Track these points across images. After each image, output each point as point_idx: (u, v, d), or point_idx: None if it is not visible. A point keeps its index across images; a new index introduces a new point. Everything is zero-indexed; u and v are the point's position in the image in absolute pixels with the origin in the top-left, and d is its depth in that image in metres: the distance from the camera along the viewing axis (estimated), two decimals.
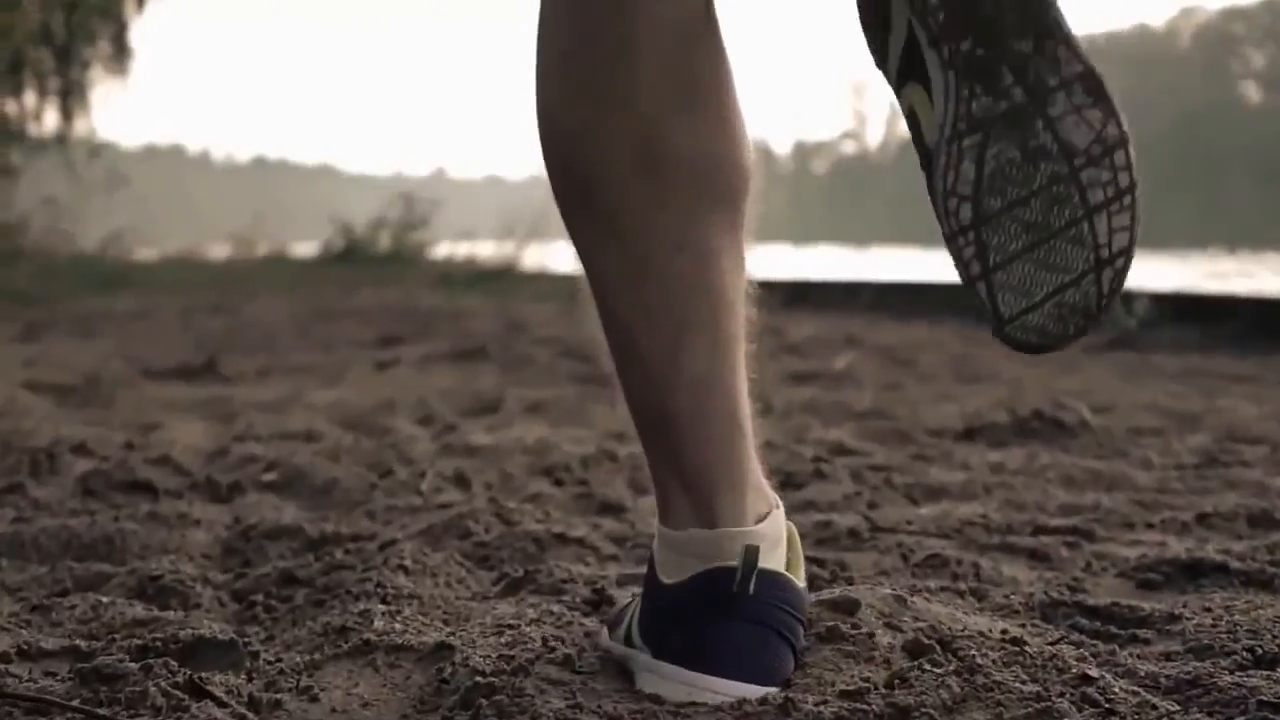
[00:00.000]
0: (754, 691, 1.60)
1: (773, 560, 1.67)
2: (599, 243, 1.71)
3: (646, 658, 1.69)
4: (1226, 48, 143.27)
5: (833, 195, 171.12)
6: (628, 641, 1.75)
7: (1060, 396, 4.92)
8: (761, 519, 1.69)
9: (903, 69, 1.63)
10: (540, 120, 1.70)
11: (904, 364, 6.47)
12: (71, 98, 26.73)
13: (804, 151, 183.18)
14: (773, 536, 1.68)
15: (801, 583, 1.72)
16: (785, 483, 2.91)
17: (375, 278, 15.53)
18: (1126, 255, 1.57)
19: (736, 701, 1.57)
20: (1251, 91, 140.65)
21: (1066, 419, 3.75)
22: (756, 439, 1.78)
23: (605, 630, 1.83)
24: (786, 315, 9.80)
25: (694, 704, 1.60)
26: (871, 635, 1.70)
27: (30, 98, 26.68)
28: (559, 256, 17.40)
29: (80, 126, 27.73)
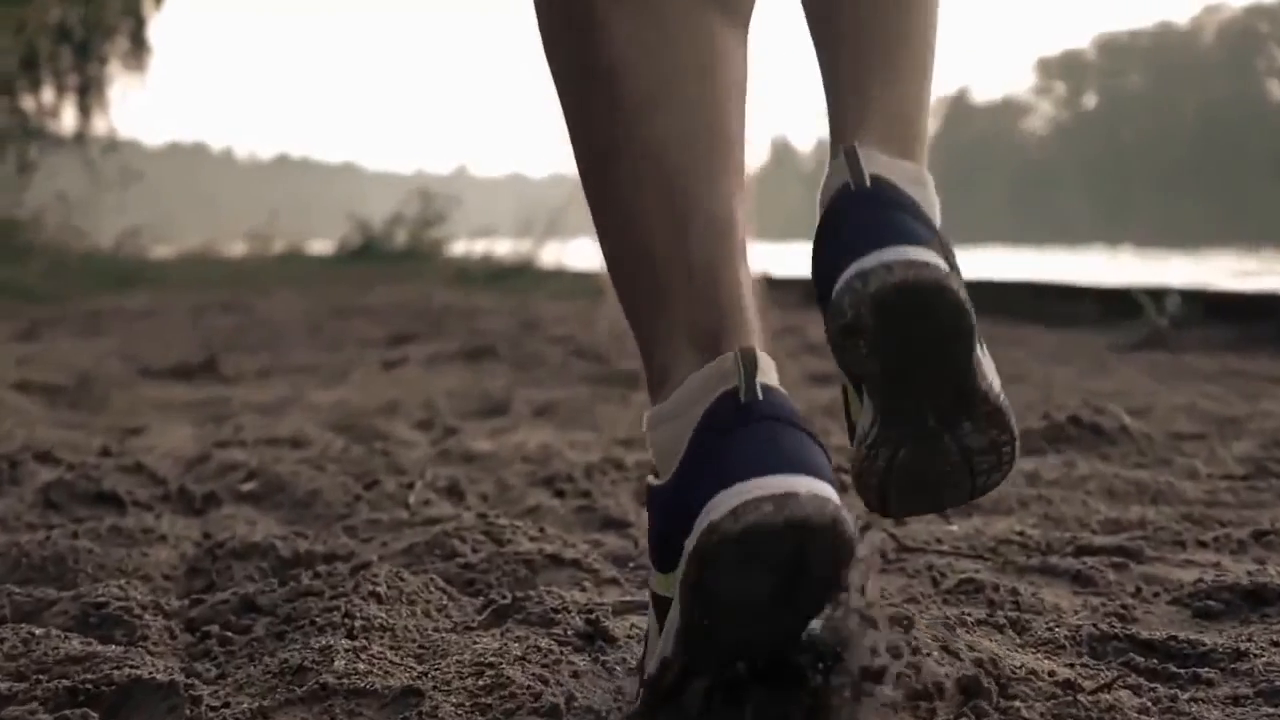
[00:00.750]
0: (802, 484, 1.37)
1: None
2: (630, 43, 1.56)
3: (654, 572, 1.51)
4: (1251, 45, 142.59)
5: None
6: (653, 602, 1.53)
7: (1094, 399, 4.70)
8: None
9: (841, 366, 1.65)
10: None
11: None
12: (90, 94, 26.65)
13: (826, 151, 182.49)
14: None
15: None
16: None
17: (391, 275, 15.34)
18: (991, 488, 1.75)
19: None
20: (1276, 89, 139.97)
21: (1105, 424, 3.51)
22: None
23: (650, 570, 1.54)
24: (806, 314, 9.59)
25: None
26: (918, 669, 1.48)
27: (48, 94, 26.63)
28: (577, 253, 17.23)
29: (99, 123, 27.68)
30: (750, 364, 1.48)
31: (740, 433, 1.42)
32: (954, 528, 2.42)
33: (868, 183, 1.60)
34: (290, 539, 2.30)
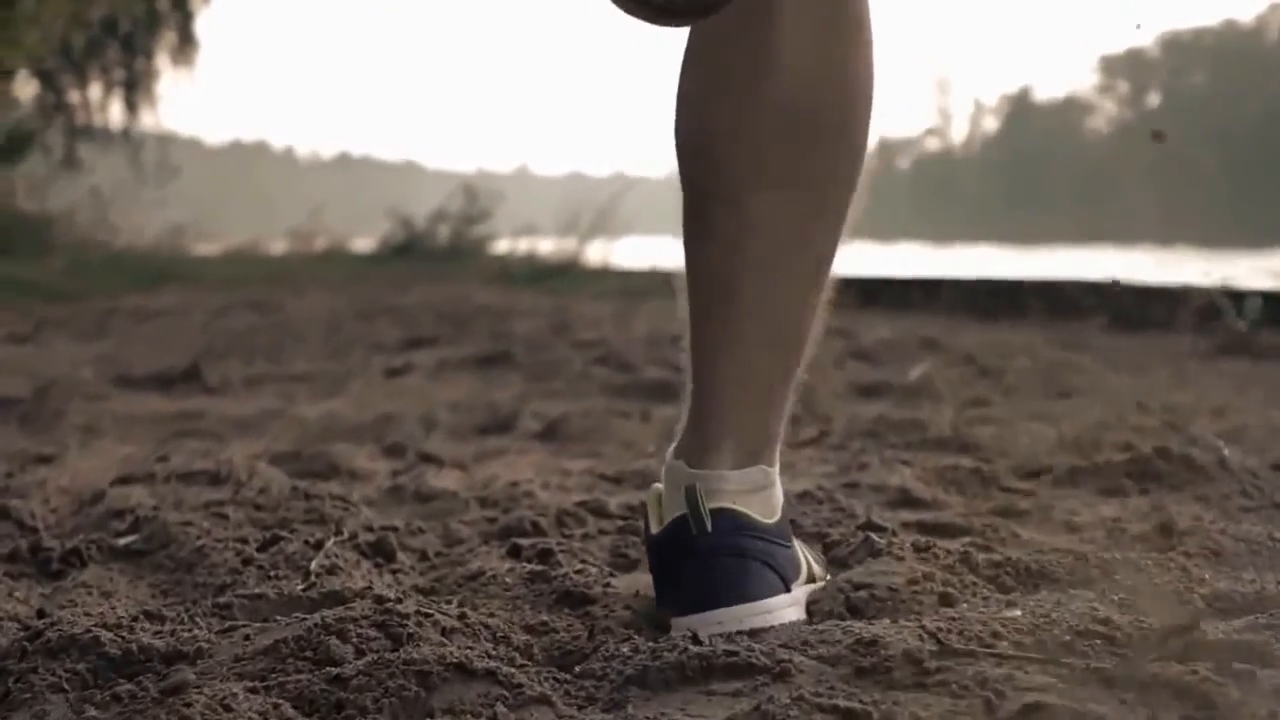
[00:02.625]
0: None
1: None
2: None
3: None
4: None
5: (915, 192, 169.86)
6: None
7: (1178, 416, 4.11)
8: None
9: None
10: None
11: (988, 374, 5.64)
12: (136, 89, 26.31)
13: (887, 148, 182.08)
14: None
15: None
16: (824, 555, 2.12)
17: (431, 273, 14.83)
18: None
19: None
20: None
21: (1199, 457, 2.89)
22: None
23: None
24: (858, 315, 9.00)
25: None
26: None
27: (96, 89, 26.30)
28: (624, 252, 16.69)
29: (146, 119, 27.34)
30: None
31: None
32: (1016, 613, 1.82)
33: (707, 527, 1.78)
34: (133, 627, 1.72)
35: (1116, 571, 2.01)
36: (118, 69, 26.34)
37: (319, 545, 2.05)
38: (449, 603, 1.85)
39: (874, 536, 2.06)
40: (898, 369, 5.83)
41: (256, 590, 1.89)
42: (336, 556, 2.03)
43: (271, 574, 1.96)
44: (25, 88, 22.78)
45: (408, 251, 18.08)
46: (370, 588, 1.88)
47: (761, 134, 1.79)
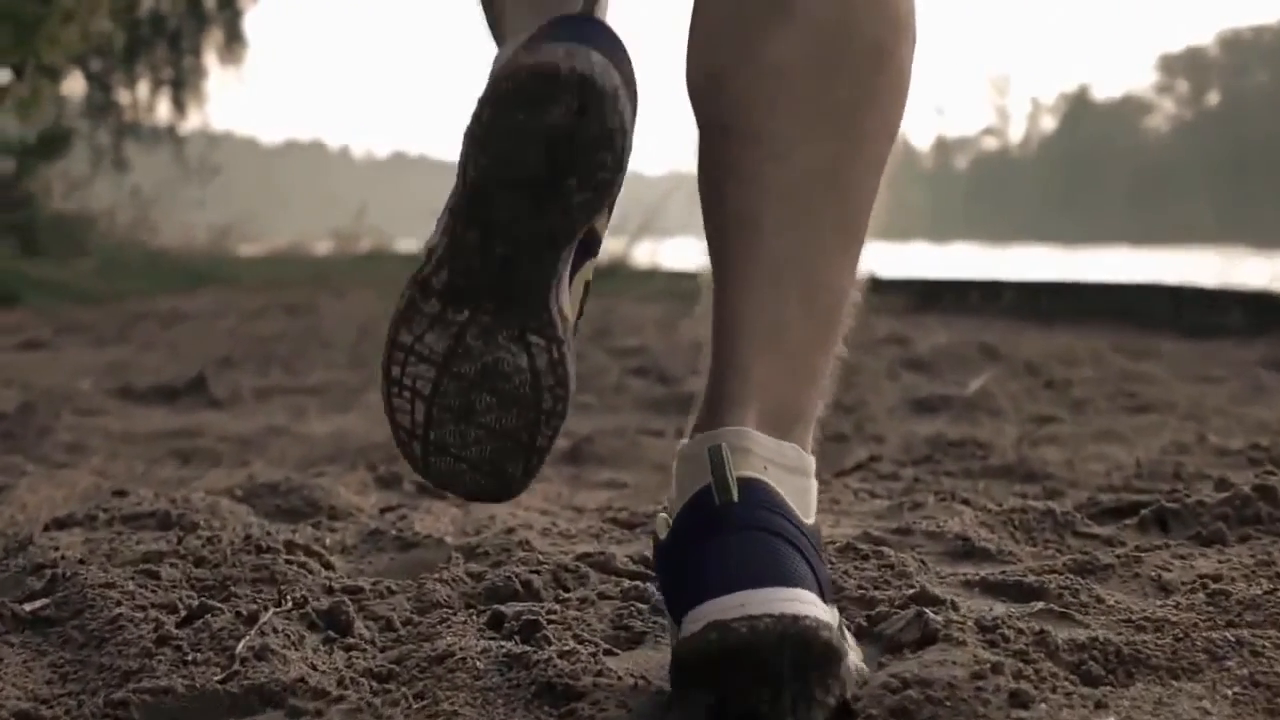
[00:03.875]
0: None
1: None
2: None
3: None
4: None
5: (973, 192, 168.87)
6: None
7: (1262, 435, 3.73)
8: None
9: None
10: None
11: (1053, 386, 5.26)
12: (184, 88, 26.15)
13: (945, 147, 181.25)
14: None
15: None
16: (869, 637, 1.74)
17: None
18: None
19: None
20: None
21: None
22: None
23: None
24: (915, 320, 8.63)
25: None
26: None
27: (143, 88, 26.14)
28: (674, 253, 16.31)
29: (194, 118, 27.19)
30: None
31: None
32: (1110, 719, 1.44)
33: (734, 495, 1.49)
34: None
35: (1227, 656, 1.63)
36: (165, 68, 26.18)
37: (253, 619, 1.68)
38: (402, 698, 1.49)
39: (929, 613, 1.69)
40: (955, 380, 5.45)
41: (164, 682, 1.52)
42: (275, 633, 1.65)
43: (189, 657, 1.59)
44: (73, 86, 22.63)
45: None
46: (304, 680, 1.51)
47: (786, 60, 1.59)
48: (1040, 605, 1.85)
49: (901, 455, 3.61)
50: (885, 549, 2.01)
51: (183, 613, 1.75)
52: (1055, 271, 17.54)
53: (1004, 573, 2.05)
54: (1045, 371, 5.73)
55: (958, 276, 11.52)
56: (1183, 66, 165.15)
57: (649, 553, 2.02)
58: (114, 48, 20.55)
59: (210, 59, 26.55)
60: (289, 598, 1.77)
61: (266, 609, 1.72)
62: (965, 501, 2.53)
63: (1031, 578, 1.98)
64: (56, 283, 11.25)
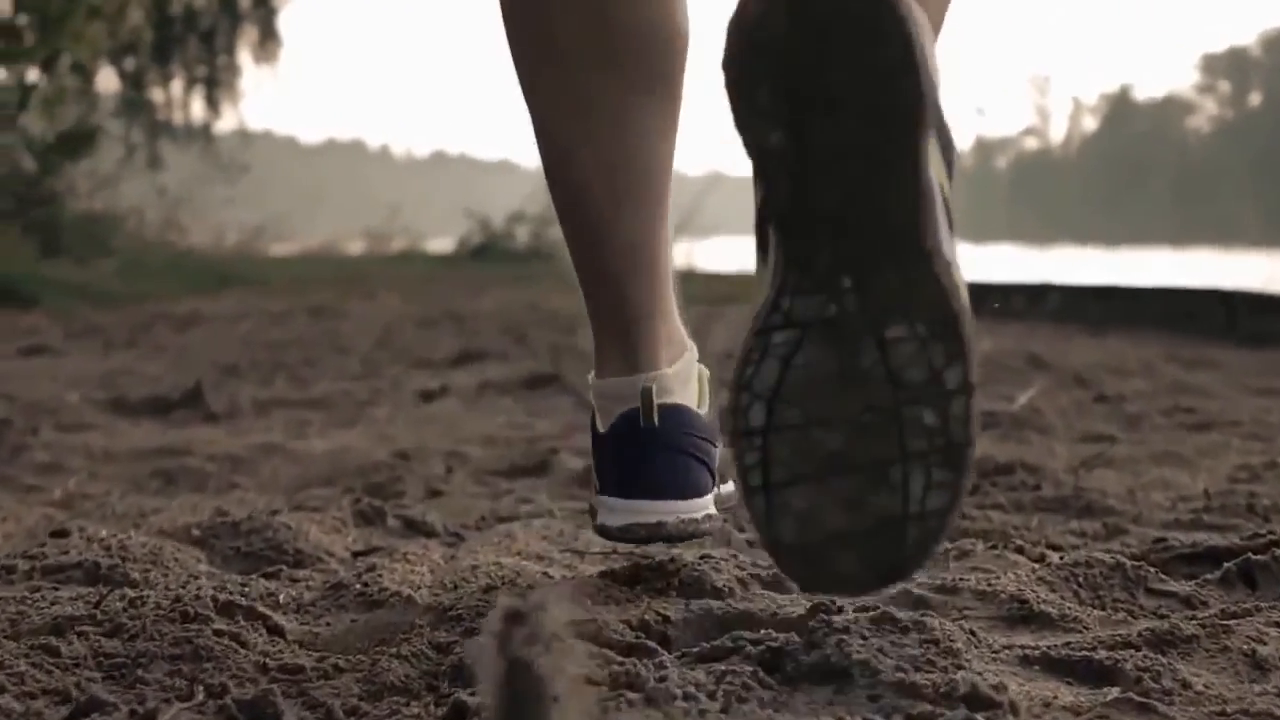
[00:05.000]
0: (677, 507, 1.89)
1: (684, 396, 1.93)
2: (552, 107, 1.85)
3: (596, 495, 1.95)
4: None
5: (1014, 193, 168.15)
6: (595, 490, 1.97)
7: None
8: (674, 361, 1.94)
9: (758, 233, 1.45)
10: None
11: (1105, 400, 4.93)
12: (218, 86, 25.99)
13: (985, 148, 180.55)
14: (682, 375, 1.93)
15: (703, 409, 1.96)
16: None
17: (508, 276, 14.21)
18: (941, 518, 1.35)
19: None
20: None
21: None
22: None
23: (591, 492, 2.02)
24: None
25: (630, 525, 1.88)
26: None
27: (177, 86, 25.98)
28: (710, 254, 16.01)
29: (228, 116, 27.04)
30: (648, 403, 1.89)
31: (638, 454, 1.89)
32: None
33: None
34: None
35: None
36: (199, 65, 26.02)
37: (151, 718, 1.37)
38: None
39: None
40: (1001, 392, 5.12)
41: None
42: None
43: None
44: (107, 84, 22.45)
45: (485, 253, 17.50)
46: None
47: None
48: (1115, 692, 1.54)
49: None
50: (928, 618, 1.69)
51: (64, 713, 1.43)
52: (1099, 273, 17.20)
53: (1069, 645, 1.73)
54: (1096, 384, 5.40)
55: (1001, 279, 11.17)
56: (1225, 67, 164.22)
57: (649, 616, 1.74)
58: (143, 45, 20.31)
59: (244, 57, 26.41)
60: (202, 686, 1.45)
61: (171, 702, 1.41)
62: (1019, 549, 2.20)
63: (1103, 653, 1.67)
64: (76, 284, 10.99)
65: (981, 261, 21.81)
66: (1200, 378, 5.71)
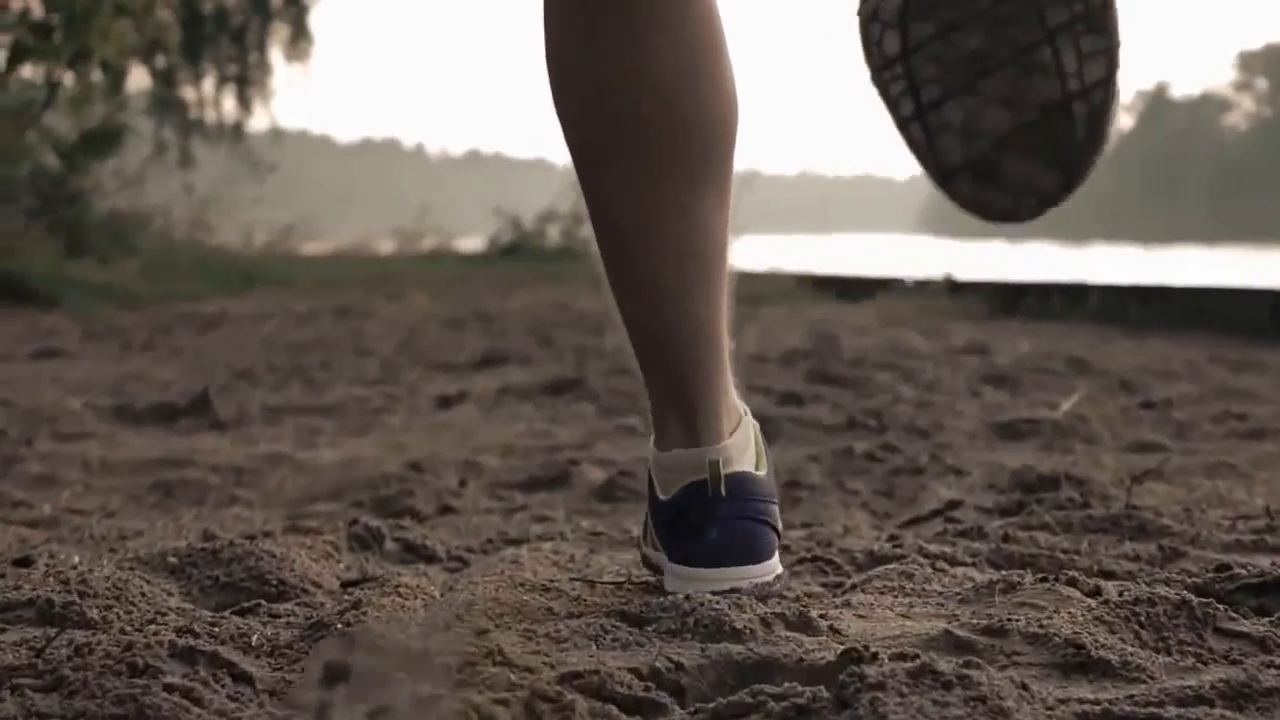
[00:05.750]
0: (752, 572, 1.92)
1: (744, 462, 1.94)
2: (612, 199, 1.86)
3: (667, 561, 1.96)
4: None
5: None
6: (654, 547, 2.02)
7: None
8: (734, 429, 1.95)
9: None
10: (553, 82, 1.85)
11: (1152, 406, 4.72)
12: (250, 85, 25.90)
13: None
14: (741, 443, 1.95)
15: (763, 470, 1.97)
16: None
17: (539, 276, 14.02)
18: (1105, 86, 1.33)
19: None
20: None
21: None
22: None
23: (640, 541, 2.14)
24: (995, 327, 8.10)
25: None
26: None
27: (209, 84, 25.89)
28: (750, 253, 15.78)
29: (261, 115, 26.94)
30: (715, 475, 1.90)
31: (710, 528, 1.91)
32: None
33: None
34: None
35: None
36: (230, 64, 25.93)
37: None
38: None
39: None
40: (1043, 398, 4.92)
41: None
42: None
43: None
44: (139, 82, 22.36)
45: (515, 252, 17.31)
46: None
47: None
48: None
49: (986, 498, 3.09)
50: (973, 670, 1.49)
51: None
52: (1136, 272, 16.97)
53: (1133, 700, 1.53)
54: (1141, 388, 5.19)
55: (1039, 278, 10.94)
56: (1262, 64, 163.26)
57: (660, 663, 1.53)
58: (170, 43, 20.18)
59: (276, 55, 26.30)
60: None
61: None
62: (1072, 581, 1.99)
63: (1172, 710, 1.47)
64: (99, 284, 10.83)
65: (1016, 260, 21.57)
66: (1248, 381, 5.50)
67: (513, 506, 3.19)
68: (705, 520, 1.90)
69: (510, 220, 18.02)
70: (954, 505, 2.97)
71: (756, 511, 1.93)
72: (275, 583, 2.09)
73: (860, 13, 1.39)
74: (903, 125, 1.41)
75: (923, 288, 11.02)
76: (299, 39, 26.43)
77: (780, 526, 2.00)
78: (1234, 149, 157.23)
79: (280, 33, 26.30)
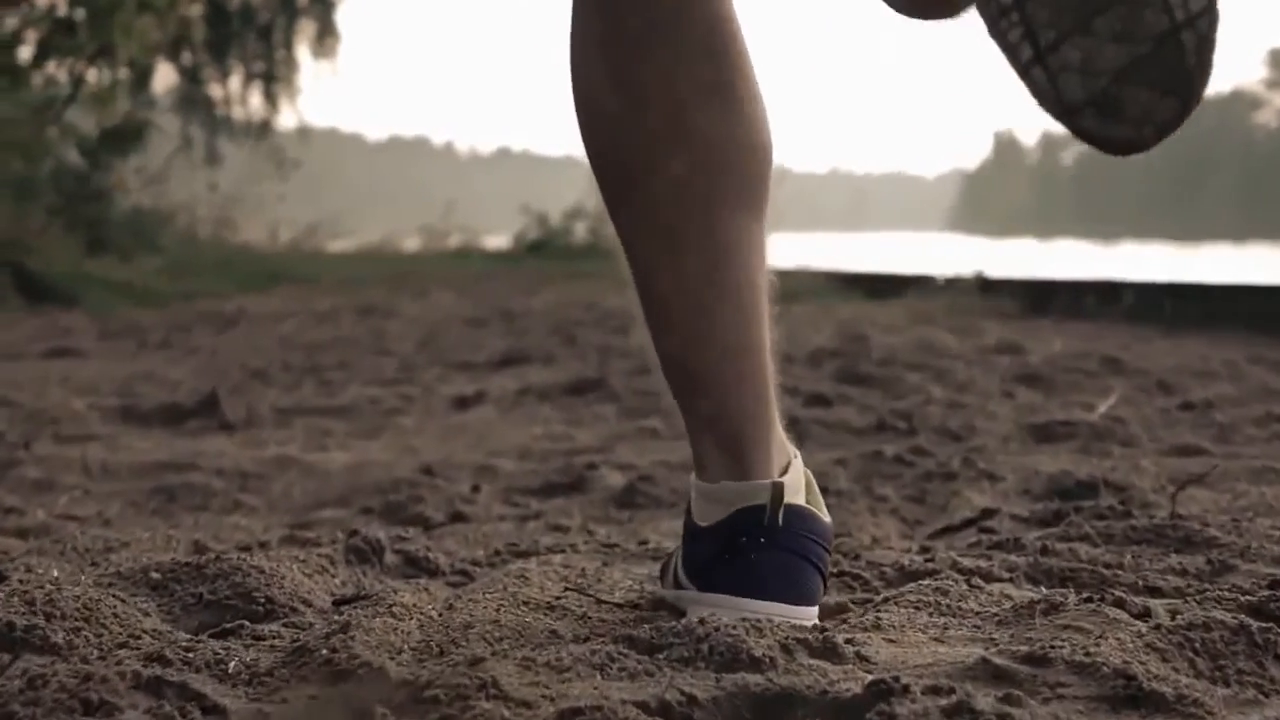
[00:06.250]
0: (794, 612, 1.77)
1: (796, 499, 1.83)
2: (636, 224, 1.83)
3: (695, 593, 1.84)
4: None
5: (1080, 188, 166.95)
6: (676, 585, 1.90)
7: None
8: (784, 470, 1.85)
9: None
10: (578, 105, 1.82)
11: (1192, 407, 4.56)
12: (276, 82, 25.83)
13: (1051, 142, 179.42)
14: (794, 484, 1.84)
15: (824, 516, 1.87)
16: None
17: (565, 273, 13.90)
18: (1209, 14, 1.42)
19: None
20: None
21: None
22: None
23: (659, 580, 2.03)
24: (1027, 326, 7.93)
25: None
26: None
27: (235, 82, 25.81)
28: (783, 250, 15.60)
29: (288, 113, 26.83)
30: (778, 499, 1.80)
31: (760, 555, 1.80)
32: None
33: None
34: None
35: None
36: (256, 61, 25.85)
37: None
38: None
39: None
40: (1078, 399, 4.76)
41: None
42: None
43: None
44: (164, 79, 22.29)
45: (542, 249, 17.19)
46: None
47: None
48: None
49: (1021, 506, 2.95)
50: (1014, 707, 1.35)
51: None
52: (1168, 269, 16.77)
53: None
54: (1180, 389, 5.04)
55: (1071, 276, 10.77)
56: None
57: (670, 695, 1.39)
58: (194, 40, 20.08)
59: (302, 52, 26.21)
60: None
61: None
62: (1119, 602, 1.84)
63: None
64: (119, 282, 10.72)
65: (1047, 258, 21.41)
66: None
67: (527, 513, 3.06)
68: (755, 548, 1.80)
69: (537, 217, 17.91)
70: (988, 514, 2.82)
71: (811, 551, 1.83)
72: (262, 601, 1.95)
73: None
74: (1024, 71, 1.42)
75: (953, 285, 10.86)
76: (326, 36, 26.33)
77: (828, 577, 1.90)
78: (1264, 146, 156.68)
79: (307, 30, 26.19)
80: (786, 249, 16.19)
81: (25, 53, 13.63)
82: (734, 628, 1.62)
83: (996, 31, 1.42)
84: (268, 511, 3.17)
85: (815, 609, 1.83)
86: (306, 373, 5.64)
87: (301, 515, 3.09)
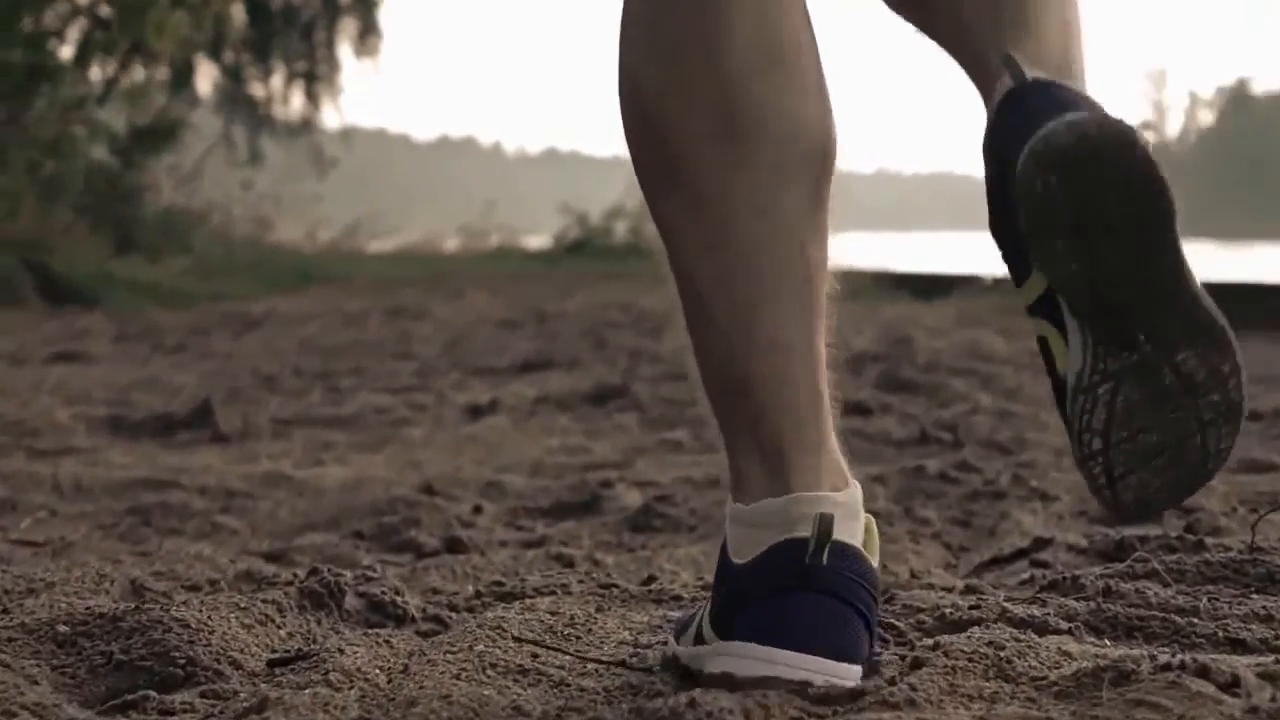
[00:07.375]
0: (830, 668, 1.55)
1: (848, 534, 1.62)
2: (678, 207, 1.67)
3: (716, 644, 1.63)
4: None
5: None
6: (698, 640, 1.69)
7: None
8: (837, 490, 1.64)
9: (1036, 308, 1.61)
10: (621, 80, 1.70)
11: (1260, 417, 4.29)
12: (318, 81, 25.67)
13: None
14: (849, 507, 1.64)
15: (875, 562, 1.66)
16: None
17: (604, 273, 13.65)
18: (1227, 450, 1.61)
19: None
20: None
21: None
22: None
23: (672, 640, 1.76)
24: None
25: (768, 679, 1.51)
26: None
27: (278, 81, 25.66)
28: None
29: (331, 113, 26.70)
30: (825, 532, 1.58)
31: (797, 598, 1.57)
32: None
33: (1029, 78, 1.58)
34: None
35: None
36: (299, 60, 25.69)
37: None
38: None
39: None
40: None
41: None
42: None
43: None
44: (204, 78, 22.17)
45: (582, 249, 16.95)
46: None
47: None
48: None
49: (1077, 532, 2.65)
50: None
51: None
52: (1221, 269, 16.43)
53: None
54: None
55: None
56: None
57: None
58: (233, 37, 19.91)
59: (344, 51, 26.03)
60: None
61: None
62: (1203, 671, 1.51)
63: None
64: (145, 283, 10.49)
65: None
66: None
67: (530, 539, 2.80)
68: (795, 589, 1.57)
69: (577, 217, 17.69)
70: (1041, 544, 2.53)
71: (859, 597, 1.60)
72: (182, 662, 1.65)
73: (1075, 423, 1.61)
74: (1096, 489, 1.58)
75: (1001, 285, 10.54)
76: (368, 35, 26.15)
77: (876, 631, 1.67)
78: None
79: (349, 29, 26.02)
80: (834, 249, 15.86)
81: (66, 51, 13.47)
82: (733, 712, 1.31)
83: (1084, 466, 1.58)
84: (247, 535, 2.92)
85: (859, 669, 1.58)
86: (317, 378, 5.37)
87: (282, 541, 2.83)
